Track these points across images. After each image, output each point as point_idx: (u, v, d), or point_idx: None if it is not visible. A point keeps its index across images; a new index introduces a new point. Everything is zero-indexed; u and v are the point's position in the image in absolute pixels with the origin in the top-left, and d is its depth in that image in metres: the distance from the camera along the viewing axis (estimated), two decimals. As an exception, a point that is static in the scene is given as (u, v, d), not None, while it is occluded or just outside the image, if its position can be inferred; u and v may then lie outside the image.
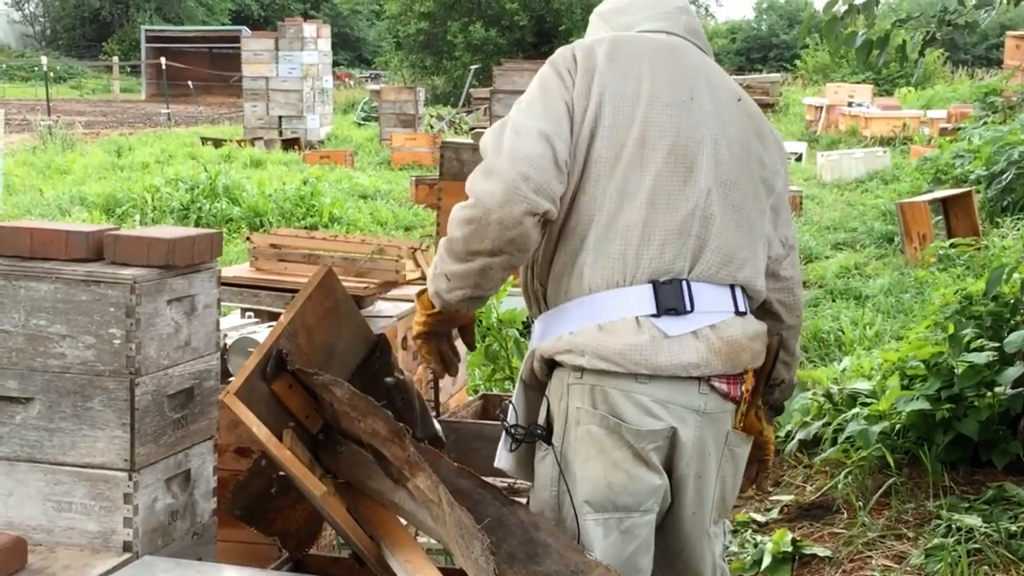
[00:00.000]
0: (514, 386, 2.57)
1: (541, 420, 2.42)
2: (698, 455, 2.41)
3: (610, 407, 2.32)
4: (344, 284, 4.12)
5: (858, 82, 25.83)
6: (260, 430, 2.49)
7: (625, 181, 2.34)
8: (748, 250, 2.46)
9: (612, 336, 2.31)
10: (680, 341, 2.33)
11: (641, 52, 2.45)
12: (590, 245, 2.34)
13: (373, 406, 2.51)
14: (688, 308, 2.34)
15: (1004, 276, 4.44)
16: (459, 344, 2.72)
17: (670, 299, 2.33)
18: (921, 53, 4.62)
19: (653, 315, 2.32)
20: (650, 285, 2.32)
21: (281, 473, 2.74)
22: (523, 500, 2.57)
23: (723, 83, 2.53)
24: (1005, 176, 10.55)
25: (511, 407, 2.48)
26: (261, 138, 19.81)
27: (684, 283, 2.35)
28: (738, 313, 2.42)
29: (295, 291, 4.09)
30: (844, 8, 4.25)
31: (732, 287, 2.42)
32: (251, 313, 4.08)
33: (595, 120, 2.35)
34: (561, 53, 2.44)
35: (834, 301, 8.28)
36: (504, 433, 2.49)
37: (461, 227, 2.30)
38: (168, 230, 2.63)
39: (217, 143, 18.57)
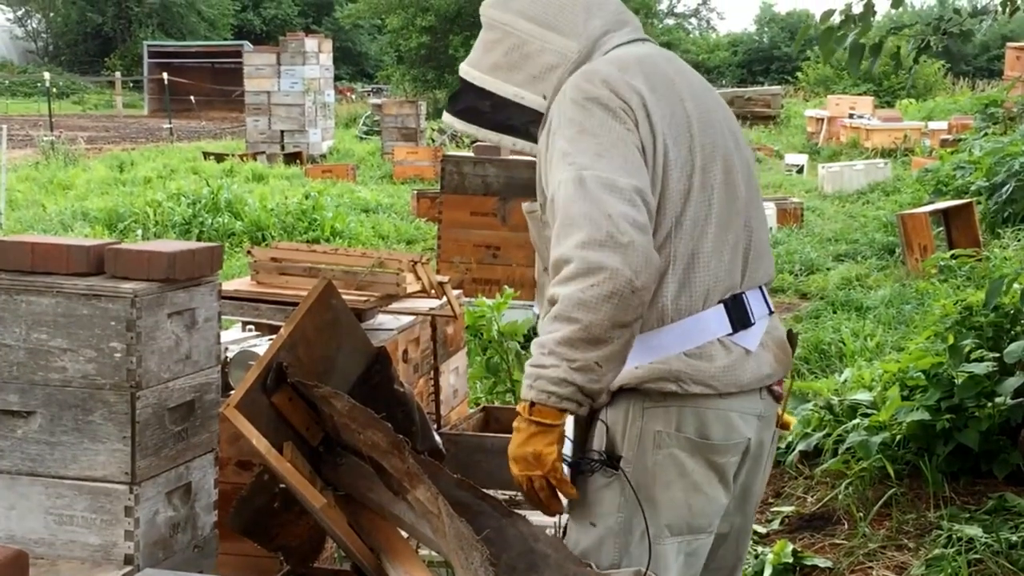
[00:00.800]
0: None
1: (597, 446, 2.31)
2: (754, 460, 2.42)
3: (696, 427, 2.28)
4: (345, 297, 4.12)
5: (859, 94, 25.88)
6: (260, 442, 2.50)
7: (696, 210, 2.29)
8: (767, 245, 2.47)
9: (704, 361, 2.27)
10: (757, 355, 2.34)
11: (665, 72, 2.37)
12: (672, 279, 2.27)
13: (372, 418, 2.52)
14: (752, 320, 2.35)
15: (1003, 287, 4.45)
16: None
17: (740, 315, 2.32)
18: (916, 61, 4.63)
19: (730, 333, 2.31)
20: (722, 305, 2.31)
21: (283, 487, 2.75)
22: (523, 512, 2.57)
23: (700, 78, 2.51)
24: (1005, 188, 10.57)
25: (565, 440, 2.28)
26: (263, 152, 19.85)
27: (743, 296, 2.34)
28: (770, 312, 2.44)
29: (296, 304, 4.10)
30: (840, 19, 4.27)
31: (761, 287, 2.42)
32: (252, 326, 4.09)
33: (664, 156, 2.27)
34: (600, 90, 2.28)
35: (835, 312, 8.28)
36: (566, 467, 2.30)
37: (601, 306, 2.11)
38: (168, 244, 2.65)
39: (219, 157, 18.61)
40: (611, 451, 2.29)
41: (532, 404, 2.19)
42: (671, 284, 2.26)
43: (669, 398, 2.26)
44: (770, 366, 2.36)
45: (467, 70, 2.49)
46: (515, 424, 2.24)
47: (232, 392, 2.59)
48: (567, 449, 2.28)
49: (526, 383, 2.21)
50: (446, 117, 2.55)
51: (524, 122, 2.44)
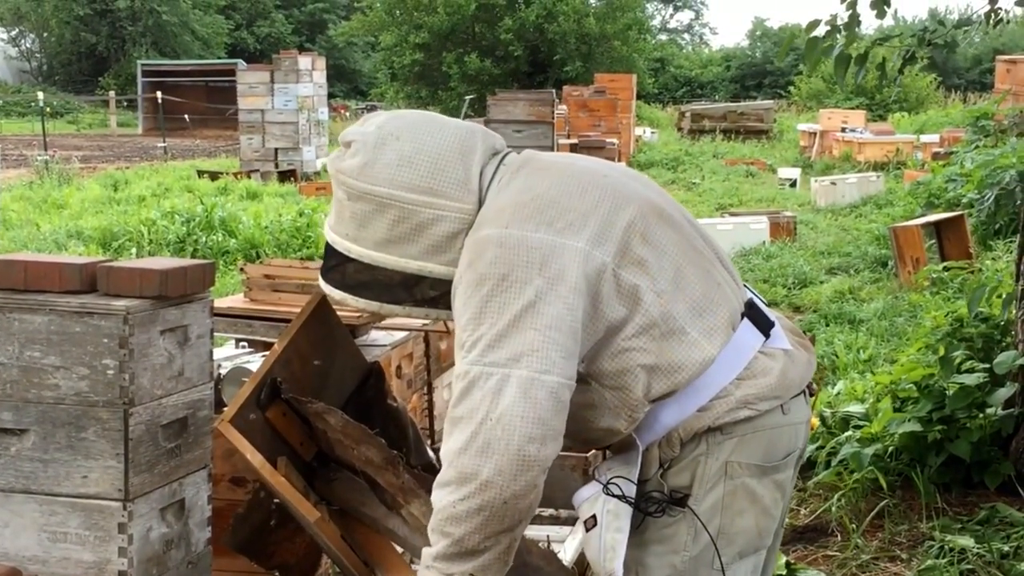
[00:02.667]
0: None
1: (655, 488, 2.25)
2: (795, 467, 2.42)
3: (763, 451, 2.26)
4: (338, 313, 4.13)
5: (852, 108, 25.97)
6: (255, 457, 2.52)
7: (670, 271, 2.22)
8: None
9: (760, 378, 2.24)
10: (792, 352, 2.34)
11: (545, 190, 2.23)
12: (694, 335, 2.20)
13: (366, 434, 2.54)
14: (772, 320, 2.34)
15: (985, 295, 4.47)
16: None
17: (762, 321, 2.31)
18: (901, 71, 4.66)
19: (764, 342, 2.29)
20: (745, 319, 2.28)
21: (279, 504, 2.76)
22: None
23: (574, 157, 2.45)
24: (987, 199, 10.62)
25: (617, 484, 2.24)
26: (257, 170, 19.85)
27: (752, 302, 2.34)
28: (767, 305, 2.45)
29: (289, 321, 4.12)
30: (826, 30, 4.30)
31: (746, 287, 2.43)
32: (245, 343, 4.10)
33: (601, 267, 2.16)
34: (493, 266, 2.12)
35: (828, 325, 8.31)
36: (630, 508, 2.24)
37: (471, 519, 2.07)
38: (161, 261, 2.66)
39: (213, 176, 18.62)
40: (675, 491, 2.24)
41: None
42: (700, 339, 2.21)
43: (739, 426, 2.22)
44: (804, 357, 2.36)
45: (347, 246, 2.33)
46: None
47: (226, 408, 2.60)
48: (630, 490, 2.24)
49: None
50: (329, 290, 2.40)
51: (434, 293, 2.31)
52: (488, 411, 2.05)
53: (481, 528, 2.07)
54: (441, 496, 2.11)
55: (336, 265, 2.37)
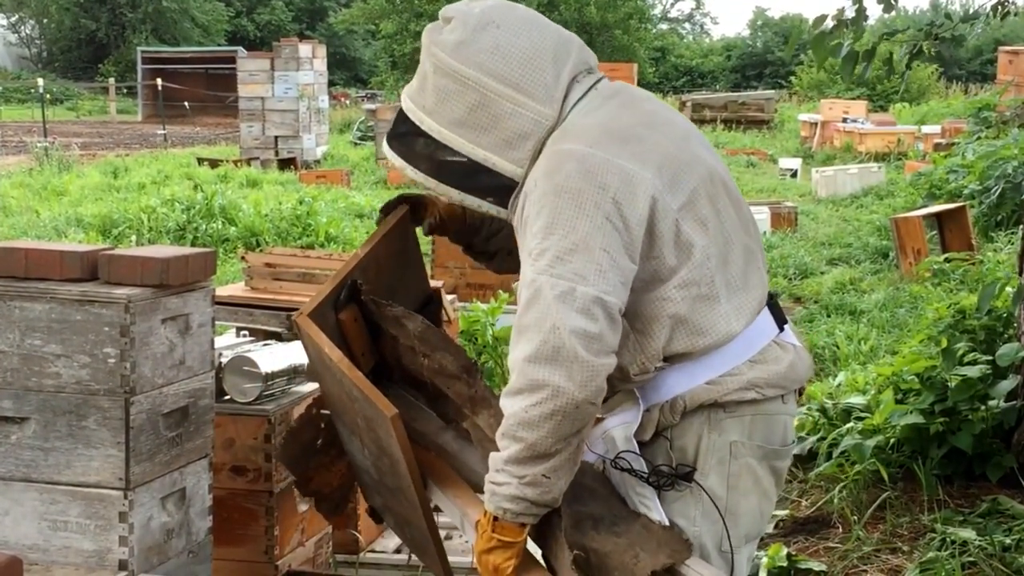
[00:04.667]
0: None
1: (663, 461, 2.30)
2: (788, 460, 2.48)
3: (764, 434, 2.31)
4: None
5: (853, 98, 25.93)
6: (333, 351, 2.46)
7: (718, 242, 2.27)
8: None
9: (771, 364, 2.30)
10: (801, 350, 2.39)
11: (633, 127, 2.27)
12: (724, 307, 2.25)
13: (446, 340, 2.51)
14: (786, 317, 2.40)
15: (996, 291, 4.46)
16: None
17: (780, 315, 2.37)
18: (908, 66, 4.64)
19: (779, 333, 2.35)
20: (766, 308, 2.34)
21: (327, 423, 2.74)
22: None
23: (662, 106, 2.45)
24: (994, 190, 10.60)
25: (627, 456, 2.29)
26: (257, 158, 19.83)
27: (773, 296, 2.40)
28: None
29: (290, 310, 4.11)
30: (833, 24, 4.27)
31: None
32: (246, 332, 4.09)
33: (665, 215, 2.20)
34: (572, 180, 2.17)
35: (829, 316, 8.30)
36: (638, 481, 2.30)
37: (543, 424, 2.12)
38: (162, 249, 2.65)
39: (213, 163, 18.59)
40: (682, 465, 2.28)
41: (496, 518, 2.23)
42: (729, 312, 2.26)
43: (744, 407, 2.27)
44: (808, 358, 2.43)
45: (421, 117, 2.33)
46: (478, 529, 2.27)
47: (303, 304, 2.55)
48: (641, 464, 2.28)
49: (486, 497, 2.25)
50: (391, 156, 2.38)
51: (492, 185, 2.31)
52: (555, 322, 2.10)
53: (553, 432, 2.13)
54: (512, 403, 2.15)
55: (404, 133, 2.36)
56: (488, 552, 2.25)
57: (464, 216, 2.64)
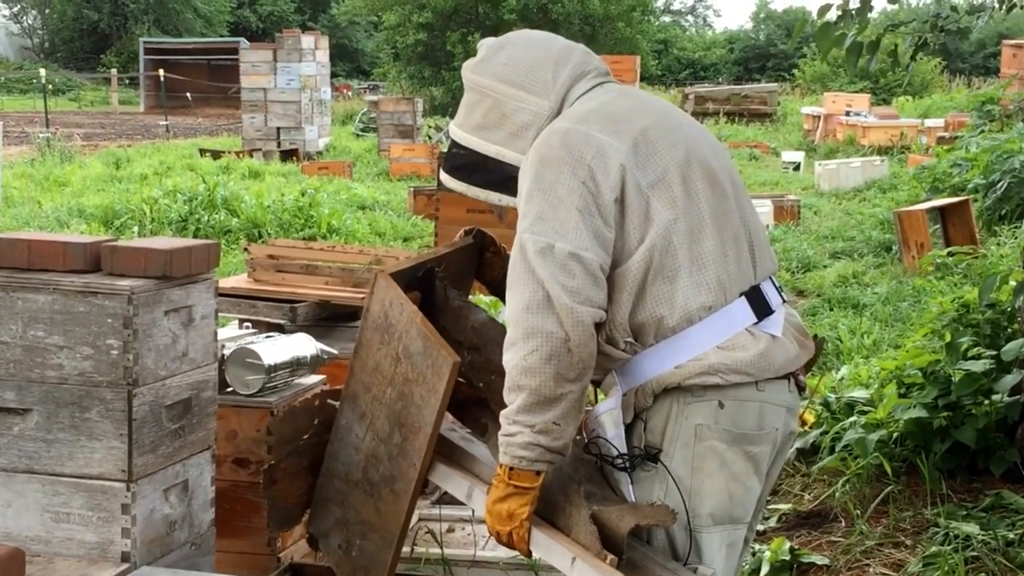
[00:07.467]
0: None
1: (637, 443, 2.44)
2: (778, 453, 2.55)
3: (733, 419, 2.40)
4: (342, 295, 4.13)
5: (856, 91, 25.90)
6: (408, 305, 2.58)
7: (689, 218, 2.40)
8: (766, 238, 2.59)
9: (737, 351, 2.39)
10: (782, 340, 2.46)
11: (622, 110, 2.48)
12: (684, 281, 2.38)
13: (504, 336, 2.56)
14: (772, 309, 2.48)
15: (996, 284, 4.45)
16: None
17: (761, 304, 2.46)
18: (913, 58, 4.62)
19: (756, 323, 2.44)
20: (743, 298, 2.44)
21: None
22: None
23: (661, 101, 2.65)
24: (1000, 184, 10.58)
25: (597, 442, 2.47)
26: (259, 149, 19.82)
27: (759, 287, 2.48)
28: (783, 300, 2.56)
29: (293, 302, 4.11)
30: (838, 15, 4.25)
31: (770, 277, 2.55)
32: (249, 323, 4.08)
33: (637, 186, 2.37)
34: (555, 150, 2.40)
35: (832, 310, 8.29)
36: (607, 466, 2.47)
37: (543, 369, 2.30)
38: (165, 241, 2.64)
39: (215, 155, 18.58)
40: (651, 447, 2.42)
41: (511, 468, 2.38)
42: (688, 288, 2.39)
43: (710, 391, 2.38)
44: (794, 349, 2.49)
45: (455, 130, 2.61)
46: (494, 482, 2.43)
47: (388, 266, 2.69)
48: (608, 449, 2.45)
49: (500, 450, 2.40)
50: (443, 176, 2.67)
51: (506, 177, 2.53)
52: (540, 275, 2.31)
53: (554, 376, 2.30)
54: (512, 355, 2.34)
55: (449, 150, 2.66)
56: (503, 500, 2.40)
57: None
